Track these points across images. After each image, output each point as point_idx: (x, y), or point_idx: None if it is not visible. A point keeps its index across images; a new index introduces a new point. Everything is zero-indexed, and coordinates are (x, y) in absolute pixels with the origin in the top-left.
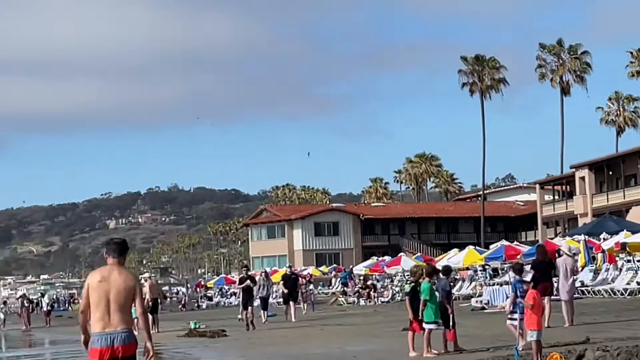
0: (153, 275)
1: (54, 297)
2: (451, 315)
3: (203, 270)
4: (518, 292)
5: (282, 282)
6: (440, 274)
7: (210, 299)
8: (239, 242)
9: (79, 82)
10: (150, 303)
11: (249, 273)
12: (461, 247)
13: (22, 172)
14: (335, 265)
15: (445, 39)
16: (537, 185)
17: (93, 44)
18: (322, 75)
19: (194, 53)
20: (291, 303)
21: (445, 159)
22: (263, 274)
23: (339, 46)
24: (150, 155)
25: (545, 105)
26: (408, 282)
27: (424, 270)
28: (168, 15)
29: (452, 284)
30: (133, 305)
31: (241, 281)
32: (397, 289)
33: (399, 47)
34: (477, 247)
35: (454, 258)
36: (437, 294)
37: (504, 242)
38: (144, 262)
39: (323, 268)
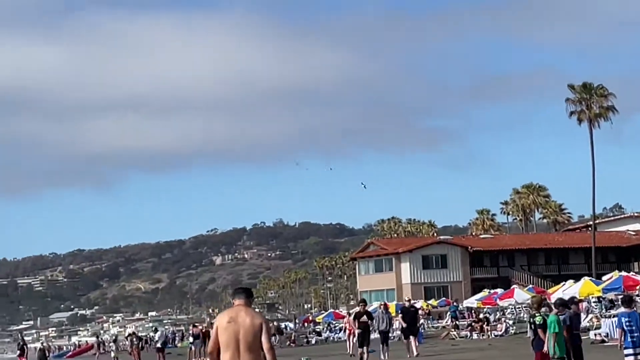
0: (260, 310)
1: (166, 333)
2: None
3: (309, 305)
4: (624, 326)
5: (400, 316)
6: (565, 306)
7: (319, 334)
8: (345, 276)
9: (188, 119)
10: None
11: (367, 308)
12: (572, 278)
13: (129, 210)
14: (444, 298)
15: (552, 68)
16: None
17: (202, 81)
18: (429, 108)
19: (302, 88)
20: (412, 337)
21: (553, 189)
22: (382, 306)
23: (446, 78)
24: (256, 190)
25: None
26: (537, 314)
27: (545, 303)
28: (276, 52)
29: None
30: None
31: (357, 316)
32: (511, 322)
33: (506, 77)
34: (592, 278)
35: (570, 289)
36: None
37: (622, 273)
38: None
39: (432, 301)
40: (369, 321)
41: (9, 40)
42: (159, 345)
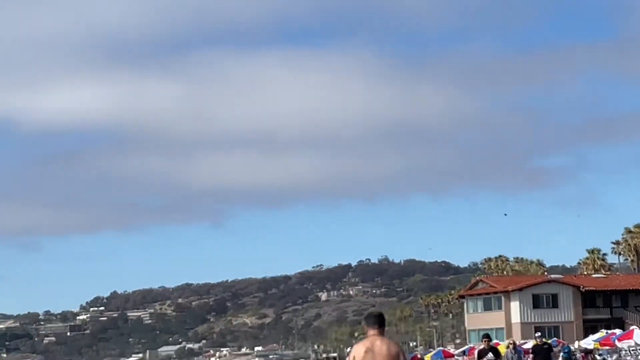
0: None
1: None
2: None
3: (415, 344)
4: None
5: (532, 355)
6: None
7: None
8: (451, 314)
9: (298, 156)
10: None
11: (491, 344)
12: None
13: (238, 245)
14: (555, 338)
15: None
16: None
17: (312, 119)
18: (538, 147)
19: (411, 126)
20: None
21: None
22: (511, 345)
23: (557, 117)
24: (361, 227)
25: None
26: None
27: None
28: (384, 89)
29: None
30: None
31: (481, 354)
32: None
33: (620, 116)
34: None
35: None
36: None
37: None
38: (356, 334)
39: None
40: (496, 358)
41: (124, 75)
42: None
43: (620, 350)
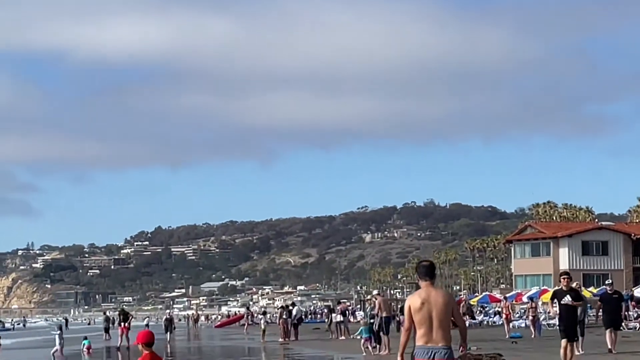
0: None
1: (305, 310)
2: None
3: (458, 288)
4: None
5: (600, 304)
6: None
7: (473, 317)
8: (496, 259)
9: (351, 97)
10: (382, 319)
11: (572, 285)
12: None
13: (284, 184)
14: (605, 286)
15: None
16: None
17: (369, 59)
18: (595, 94)
19: (467, 68)
20: (611, 330)
21: None
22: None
23: (615, 64)
24: (408, 170)
25: None
26: None
27: None
28: (443, 32)
29: None
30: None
31: (557, 295)
32: None
33: None
34: None
35: None
36: None
37: None
38: (399, 276)
39: (592, 289)
40: (579, 303)
41: (180, 10)
42: (295, 321)
43: None
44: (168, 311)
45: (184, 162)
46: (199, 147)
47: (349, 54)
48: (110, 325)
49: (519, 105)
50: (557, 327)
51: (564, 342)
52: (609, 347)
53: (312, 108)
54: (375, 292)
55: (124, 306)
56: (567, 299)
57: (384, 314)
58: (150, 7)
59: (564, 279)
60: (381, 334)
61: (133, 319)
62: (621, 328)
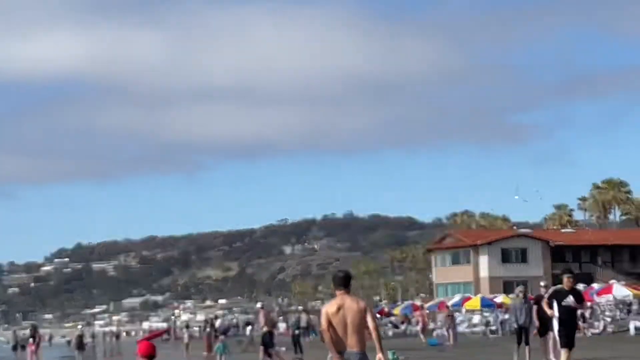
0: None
1: (227, 322)
2: None
3: (379, 298)
4: None
5: (536, 307)
6: None
7: (396, 326)
8: (415, 269)
9: (274, 109)
10: (267, 333)
11: (575, 287)
12: None
13: (206, 199)
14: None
15: None
16: None
17: (289, 71)
18: (515, 103)
19: (388, 79)
20: (550, 335)
21: (637, 185)
22: (521, 293)
23: (536, 73)
24: (328, 182)
25: None
26: None
27: None
28: (365, 44)
29: None
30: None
31: (556, 296)
32: (609, 319)
33: (597, 73)
34: None
35: None
36: None
37: None
38: (320, 288)
39: (512, 296)
40: (580, 305)
41: (105, 25)
42: (218, 333)
43: (603, 305)
44: (80, 327)
45: (108, 178)
46: (124, 162)
47: (271, 66)
48: (20, 343)
49: (440, 116)
50: (557, 334)
51: (565, 352)
52: (550, 356)
53: (235, 120)
54: (259, 304)
55: (35, 324)
56: (570, 300)
57: (266, 329)
58: (75, 22)
59: (567, 278)
60: (268, 349)
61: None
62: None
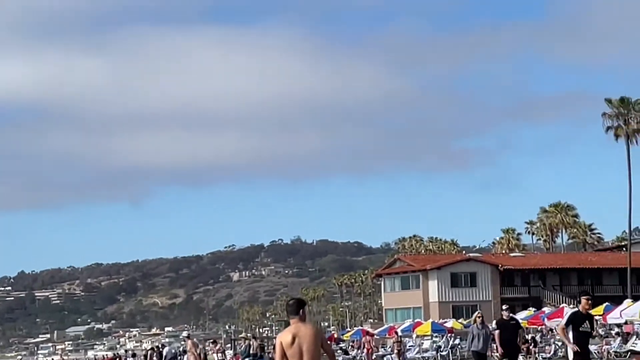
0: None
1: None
2: None
3: (327, 324)
4: None
5: (497, 331)
6: None
7: (346, 352)
8: (363, 294)
9: (218, 135)
10: None
11: (591, 311)
12: (607, 300)
13: (149, 224)
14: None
15: (591, 89)
16: None
17: (236, 96)
18: (464, 128)
19: (337, 104)
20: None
21: (583, 209)
22: (479, 319)
23: (482, 99)
24: (276, 207)
25: None
26: None
27: None
28: (311, 68)
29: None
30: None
31: (574, 320)
32: (560, 343)
33: (543, 98)
34: None
35: (628, 310)
36: None
37: None
38: (268, 314)
39: (461, 321)
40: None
41: (48, 51)
42: None
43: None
44: (19, 358)
45: (52, 204)
46: (68, 189)
47: (218, 90)
48: None
49: (388, 141)
50: None
51: None
52: None
53: (181, 146)
54: (185, 333)
55: None
56: (587, 325)
57: (192, 359)
58: (19, 47)
59: (586, 299)
60: None
61: None
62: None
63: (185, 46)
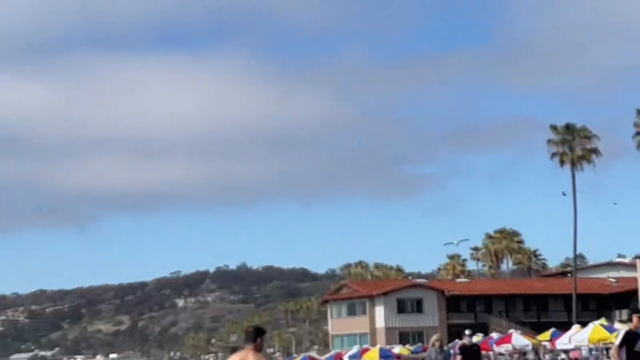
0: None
1: None
2: None
3: (273, 350)
4: None
5: (459, 356)
6: None
7: None
8: (309, 320)
9: (164, 161)
10: None
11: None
12: (552, 325)
13: (97, 251)
14: (420, 344)
15: (536, 116)
16: (638, 260)
17: (183, 122)
18: (409, 154)
19: (284, 131)
20: None
21: (528, 235)
22: (437, 343)
23: (428, 125)
24: (223, 233)
25: None
26: None
27: None
28: (257, 94)
29: None
30: None
31: (629, 339)
32: None
33: (489, 125)
34: (602, 324)
35: (577, 335)
36: None
37: None
38: (213, 341)
39: (408, 346)
40: None
41: None
42: None
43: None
44: None
45: None
46: (13, 214)
47: (163, 116)
48: None
49: (334, 167)
50: None
51: None
52: None
53: (127, 172)
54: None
55: None
56: None
57: None
58: None
59: (637, 317)
60: None
61: None
62: None
63: (133, 72)
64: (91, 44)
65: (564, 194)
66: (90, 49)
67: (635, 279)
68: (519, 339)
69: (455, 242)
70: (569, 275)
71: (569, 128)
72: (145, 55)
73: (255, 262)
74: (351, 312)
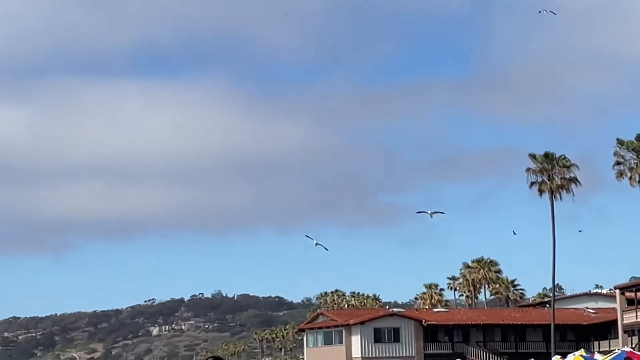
0: None
1: None
2: None
3: None
4: None
5: None
6: None
7: None
8: (284, 349)
9: (140, 188)
10: None
11: None
12: (530, 356)
13: (71, 278)
14: None
15: (515, 146)
16: (618, 291)
17: (161, 150)
18: (387, 182)
19: (263, 159)
20: None
21: (506, 264)
22: None
23: (406, 154)
24: (199, 261)
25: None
26: None
27: None
28: (235, 122)
29: None
30: None
31: None
32: None
33: (467, 154)
34: (582, 354)
35: None
36: None
37: (625, 349)
38: None
39: None
40: None
41: None
42: None
43: None
44: None
45: None
46: None
47: (141, 143)
48: None
49: (313, 195)
50: None
51: None
52: None
53: (104, 200)
54: None
55: None
56: None
57: None
58: None
59: None
60: None
61: None
62: None
63: (110, 98)
64: (68, 69)
65: (515, 234)
66: (67, 74)
67: (613, 310)
68: None
69: (428, 212)
70: (547, 305)
71: (548, 157)
72: (123, 82)
73: (231, 291)
74: (327, 341)
